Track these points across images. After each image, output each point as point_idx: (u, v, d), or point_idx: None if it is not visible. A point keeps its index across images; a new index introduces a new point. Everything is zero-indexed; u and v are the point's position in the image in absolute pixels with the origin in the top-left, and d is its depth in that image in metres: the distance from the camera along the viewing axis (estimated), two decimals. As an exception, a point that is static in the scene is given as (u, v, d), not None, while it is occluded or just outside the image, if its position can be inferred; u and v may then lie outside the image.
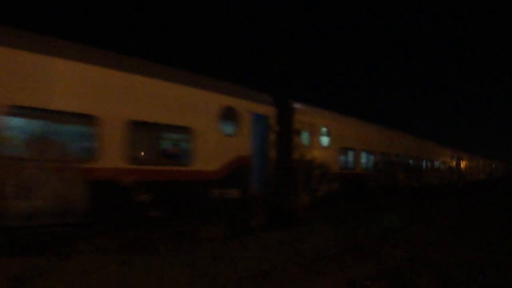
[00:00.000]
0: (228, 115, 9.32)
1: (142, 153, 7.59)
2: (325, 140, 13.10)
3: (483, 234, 9.00)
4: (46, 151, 6.28)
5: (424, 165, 22.39)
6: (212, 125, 8.85)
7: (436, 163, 24.75)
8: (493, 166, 47.04)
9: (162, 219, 7.73)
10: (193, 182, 8.38)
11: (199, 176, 8.50)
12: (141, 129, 7.42)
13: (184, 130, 8.22)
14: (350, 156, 14.78)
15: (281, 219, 10.63)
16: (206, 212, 8.68)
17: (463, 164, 30.00)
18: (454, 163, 27.92)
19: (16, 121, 5.99)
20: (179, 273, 5.24)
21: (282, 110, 11.17)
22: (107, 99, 6.90)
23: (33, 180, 5.97)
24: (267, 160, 10.55)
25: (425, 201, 17.46)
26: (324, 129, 13.03)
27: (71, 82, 6.46)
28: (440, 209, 14.58)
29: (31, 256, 5.59)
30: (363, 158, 15.73)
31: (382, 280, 5.15)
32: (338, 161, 13.85)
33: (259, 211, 10.04)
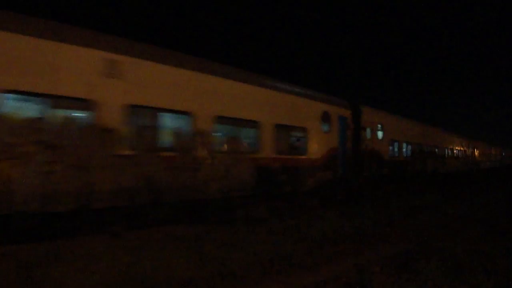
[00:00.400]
0: (325, 117, 12.10)
1: (281, 146, 10.39)
2: (380, 134, 15.89)
3: (493, 221, 8.81)
4: (235, 146, 9.11)
5: (446, 153, 25.22)
6: (316, 125, 11.65)
7: (456, 152, 27.57)
8: (503, 154, 49.85)
9: (290, 193, 10.61)
10: (307, 167, 11.23)
11: (310, 162, 11.34)
12: (281, 129, 10.22)
13: (302, 129, 11.03)
14: (396, 146, 17.58)
15: (353, 195, 13.50)
16: (312, 189, 11.54)
17: (477, 152, 32.80)
18: (470, 151, 30.70)
19: (219, 127, 8.75)
20: (188, 259, 5.13)
21: (354, 112, 13.93)
22: (266, 111, 9.69)
23: (228, 166, 8.78)
24: (346, 150, 13.37)
25: (445, 185, 20.24)
26: (379, 126, 15.80)
27: (249, 99, 9.25)
28: (455, 194, 16.19)
29: (39, 242, 5.53)
30: (404, 148, 18.55)
31: (390, 267, 5.00)
32: (388, 150, 16.68)
33: (342, 189, 12.92)
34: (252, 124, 9.35)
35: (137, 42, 7.12)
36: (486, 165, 36.24)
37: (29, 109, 5.75)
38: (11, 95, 5.44)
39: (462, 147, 28.95)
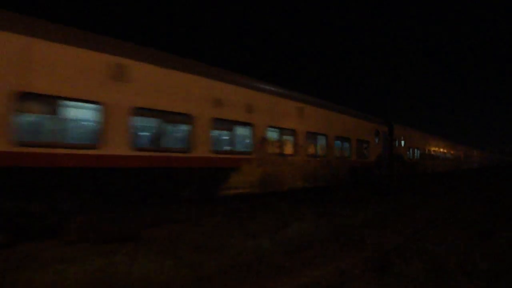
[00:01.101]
0: (376, 133, 17.67)
1: (359, 153, 15.80)
2: (402, 143, 21.67)
3: (470, 220, 9.11)
4: (341, 154, 14.43)
5: (440, 156, 31.56)
6: (372, 139, 17.20)
7: (447, 154, 34.06)
8: (482, 156, 57.73)
9: (357, 185, 16.04)
10: (369, 166, 16.73)
11: (370, 164, 16.85)
12: (359, 142, 15.64)
13: (367, 142, 16.53)
14: (411, 151, 23.45)
15: (391, 188, 19.08)
16: (368, 182, 17.03)
17: (462, 155, 39.59)
18: (457, 154, 37.35)
19: (336, 142, 14.01)
20: (163, 263, 5.10)
21: (389, 127, 19.62)
22: (353, 131, 15.08)
23: (339, 166, 14.05)
24: (385, 155, 19.00)
25: (441, 181, 26.38)
26: (402, 137, 21.58)
27: (347, 125, 14.62)
28: (451, 187, 22.15)
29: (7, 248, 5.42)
30: (415, 153, 24.49)
31: (371, 270, 5.01)
32: (406, 155, 22.50)
33: (384, 183, 18.51)
34: (348, 139, 14.77)
35: (307, 95, 12.42)
36: (468, 165, 43.32)
37: (274, 135, 10.81)
38: (269, 128, 10.50)
39: (451, 150, 35.53)
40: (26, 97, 5.57)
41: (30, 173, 5.60)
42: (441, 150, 31.92)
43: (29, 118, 5.88)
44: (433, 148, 29.10)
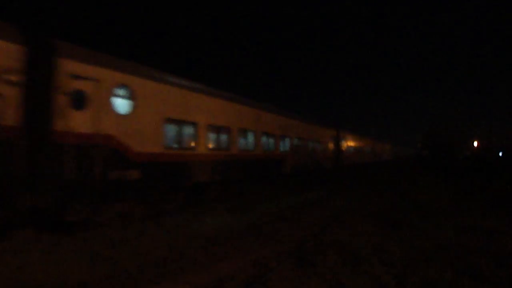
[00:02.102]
0: (331, 136, 29.86)
1: (328, 149, 27.78)
2: (343, 143, 34.42)
3: (381, 211, 9.65)
4: (319, 151, 26.27)
5: (365, 151, 45.80)
6: (330, 139, 29.28)
7: (370, 149, 48.59)
8: (395, 149, 75.40)
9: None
10: (329, 157, 28.92)
11: (329, 155, 29.05)
12: (324, 143, 27.76)
13: (327, 142, 28.69)
14: (349, 149, 36.48)
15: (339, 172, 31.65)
16: (329, 167, 29.27)
17: (379, 149, 54.90)
18: (376, 149, 52.37)
19: (319, 145, 25.78)
20: (79, 259, 5.11)
21: (337, 131, 32.10)
22: (322, 137, 27.06)
23: (319, 157, 25.93)
24: (336, 151, 31.42)
25: (367, 168, 40.29)
26: (343, 138, 34.29)
27: (321, 134, 26.51)
28: (375, 170, 35.89)
29: None
30: (351, 148, 37.72)
31: (287, 261, 5.15)
32: (346, 150, 35.45)
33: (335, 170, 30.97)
34: (320, 141, 26.64)
35: (311, 116, 23.91)
36: (384, 157, 59.46)
37: (295, 142, 22.01)
38: (295, 138, 21.75)
39: (371, 146, 50.37)
40: (241, 131, 15.81)
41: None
42: (366, 146, 46.29)
43: (244, 139, 16.17)
44: (360, 145, 43.07)
